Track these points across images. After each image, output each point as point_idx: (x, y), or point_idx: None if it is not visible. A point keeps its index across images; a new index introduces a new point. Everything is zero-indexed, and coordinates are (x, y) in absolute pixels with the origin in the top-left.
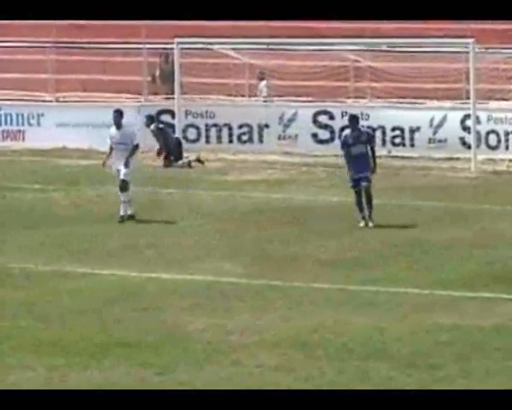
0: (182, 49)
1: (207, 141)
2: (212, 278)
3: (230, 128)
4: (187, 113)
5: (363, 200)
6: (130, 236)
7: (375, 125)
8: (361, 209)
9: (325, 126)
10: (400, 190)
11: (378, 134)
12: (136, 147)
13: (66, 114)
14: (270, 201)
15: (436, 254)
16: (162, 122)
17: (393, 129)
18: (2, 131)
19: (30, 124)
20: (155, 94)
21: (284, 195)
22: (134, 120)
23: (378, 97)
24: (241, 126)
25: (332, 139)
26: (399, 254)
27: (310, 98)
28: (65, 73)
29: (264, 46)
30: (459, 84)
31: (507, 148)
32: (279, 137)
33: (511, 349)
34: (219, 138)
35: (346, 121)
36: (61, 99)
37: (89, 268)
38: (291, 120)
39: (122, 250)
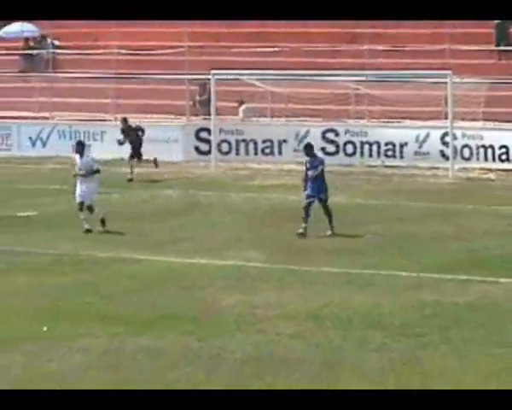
0: (216, 79)
1: (237, 153)
2: (241, 264)
3: (255, 143)
4: (220, 130)
5: (322, 212)
6: (175, 229)
7: (371, 141)
8: (306, 220)
9: (331, 142)
10: (392, 193)
11: (374, 148)
12: (97, 171)
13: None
14: (288, 201)
15: (422, 244)
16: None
17: (386, 144)
18: (74, 145)
19: (95, 139)
20: (196, 115)
21: (299, 197)
22: (179, 136)
23: (374, 118)
24: (264, 141)
25: (337, 152)
26: (393, 245)
27: (319, 119)
28: (123, 98)
29: (283, 77)
30: (439, 107)
31: (478, 159)
32: (295, 150)
33: (482, 321)
34: (247, 151)
35: (348, 137)
36: (119, 120)
37: (142, 255)
38: (304, 136)
39: (169, 241)
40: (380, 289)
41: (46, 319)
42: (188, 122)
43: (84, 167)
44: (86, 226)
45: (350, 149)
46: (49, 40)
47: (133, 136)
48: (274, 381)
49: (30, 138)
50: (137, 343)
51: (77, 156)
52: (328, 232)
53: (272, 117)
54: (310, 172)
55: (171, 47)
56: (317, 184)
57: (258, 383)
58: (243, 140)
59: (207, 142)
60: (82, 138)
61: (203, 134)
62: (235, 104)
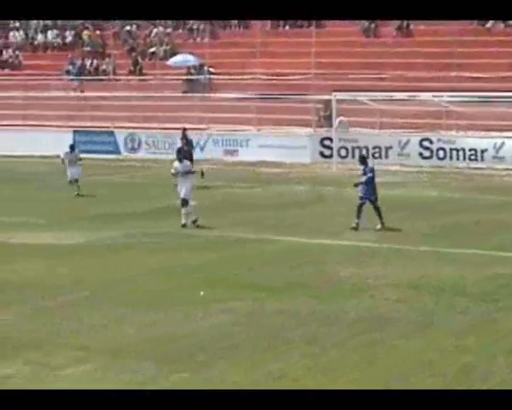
0: (337, 99)
1: (353, 157)
2: (356, 244)
3: (367, 149)
4: (340, 139)
5: (373, 211)
6: (304, 216)
7: (458, 148)
8: (358, 217)
9: (427, 148)
10: (474, 189)
11: (460, 153)
12: (192, 172)
13: (264, 139)
14: (392, 195)
15: (496, 228)
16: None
17: (470, 150)
18: (225, 150)
19: (241, 145)
20: (320, 127)
21: (401, 192)
22: (307, 143)
23: (460, 130)
24: (374, 148)
25: (431, 156)
26: (473, 229)
27: (417, 130)
28: (263, 113)
29: (389, 98)
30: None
31: None
32: (398, 155)
33: None
34: (322, 156)
35: (440, 145)
36: (261, 130)
37: (278, 236)
38: (406, 144)
39: (299, 225)
40: (463, 265)
41: (203, 286)
42: (314, 132)
43: (182, 170)
44: (184, 221)
45: (441, 154)
46: (205, 68)
47: (183, 142)
48: (381, 337)
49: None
50: (274, 305)
51: (176, 162)
52: (378, 226)
53: (380, 129)
54: (363, 178)
55: (302, 74)
56: (368, 188)
57: (367, 337)
58: (358, 147)
59: (329, 148)
60: (231, 146)
61: (326, 142)
62: (353, 118)
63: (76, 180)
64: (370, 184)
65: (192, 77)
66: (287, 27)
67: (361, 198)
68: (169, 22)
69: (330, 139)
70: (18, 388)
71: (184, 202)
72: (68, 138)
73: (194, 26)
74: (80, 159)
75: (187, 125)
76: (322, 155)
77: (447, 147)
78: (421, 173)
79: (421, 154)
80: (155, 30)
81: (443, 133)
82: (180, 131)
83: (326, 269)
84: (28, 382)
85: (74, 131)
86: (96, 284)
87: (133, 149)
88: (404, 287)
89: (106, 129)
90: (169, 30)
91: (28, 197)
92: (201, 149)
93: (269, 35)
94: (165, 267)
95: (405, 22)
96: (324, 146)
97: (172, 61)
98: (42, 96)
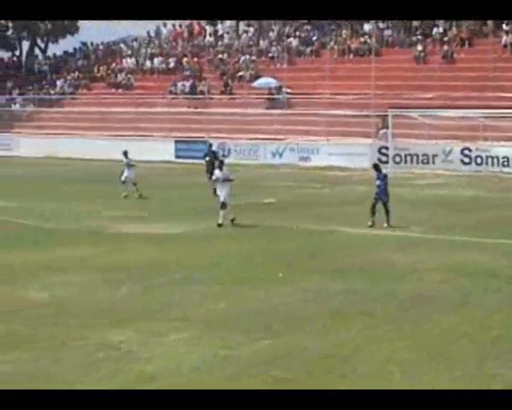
0: (393, 115)
1: (405, 163)
2: (405, 234)
3: (417, 156)
4: (395, 148)
5: (383, 210)
6: (361, 212)
7: (493, 155)
8: (373, 214)
9: (467, 156)
10: (506, 190)
11: (495, 160)
12: (231, 180)
13: (332, 148)
14: (437, 194)
15: None
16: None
17: (503, 157)
18: (299, 157)
19: (313, 153)
20: (378, 138)
21: (445, 192)
22: (367, 151)
23: (494, 140)
24: (423, 155)
25: (470, 162)
26: (505, 223)
27: (459, 141)
28: (330, 126)
29: (436, 113)
30: None
31: None
32: (442, 161)
33: None
34: (411, 162)
35: (478, 153)
36: (329, 141)
37: (341, 228)
38: (449, 152)
39: (359, 219)
40: (496, 252)
41: (280, 269)
42: (373, 142)
43: (222, 177)
44: (221, 221)
45: (479, 160)
46: (284, 89)
47: (211, 156)
48: (426, 312)
49: (271, 152)
50: (337, 285)
51: (218, 170)
52: (385, 225)
53: (428, 139)
54: (377, 182)
55: (363, 94)
56: (382, 190)
57: (415, 312)
58: (409, 154)
59: (386, 155)
60: (305, 153)
61: (383, 150)
62: (405, 131)
63: (134, 183)
64: (382, 188)
65: (272, 96)
66: (351, 56)
67: (375, 198)
68: (253, 50)
69: (386, 148)
70: (130, 350)
71: (223, 205)
72: (171, 147)
73: (275, 54)
74: (133, 164)
75: (268, 136)
76: (380, 160)
77: (483, 155)
78: (462, 177)
79: (462, 160)
80: (243, 57)
81: (480, 143)
82: (261, 141)
83: (381, 255)
84: (138, 346)
85: (176, 141)
86: (193, 266)
87: (224, 156)
88: (446, 271)
89: (201, 139)
90: (254, 57)
91: (130, 195)
92: (280, 155)
93: (336, 62)
94: (249, 254)
95: (450, 51)
96: (382, 153)
97: (256, 83)
98: (149, 111)
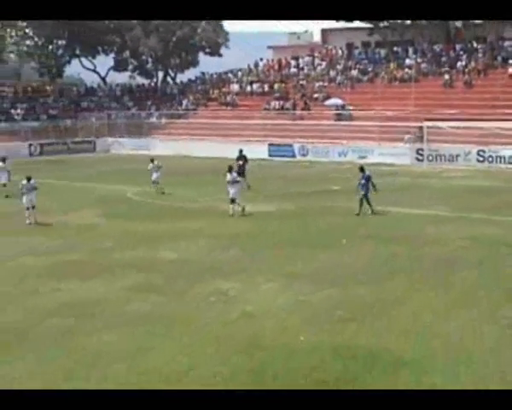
0: (426, 126)
1: (436, 161)
2: (436, 213)
3: (445, 155)
4: (429, 149)
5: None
6: (404, 196)
7: (501, 156)
8: (369, 204)
9: (481, 156)
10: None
11: (503, 160)
12: (238, 182)
13: (382, 149)
14: (460, 184)
15: None
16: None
17: (509, 157)
18: (358, 156)
19: (368, 153)
20: (415, 142)
21: (466, 182)
22: (407, 152)
23: (502, 145)
24: (449, 155)
25: (484, 161)
26: None
27: (475, 145)
28: (382, 134)
29: (458, 125)
30: None
31: None
32: (463, 160)
33: None
34: (440, 160)
35: (490, 153)
36: (380, 144)
37: (389, 208)
38: (468, 153)
39: (401, 201)
40: (508, 227)
41: (344, 237)
42: (412, 145)
43: (231, 179)
44: (231, 212)
45: (490, 159)
46: (347, 106)
47: (242, 159)
48: (452, 269)
49: (338, 153)
50: (386, 250)
51: (228, 174)
52: (357, 212)
53: (452, 144)
54: (362, 181)
55: (405, 110)
56: (366, 188)
57: (443, 269)
58: (439, 154)
59: (422, 155)
60: (362, 153)
61: (420, 151)
62: (435, 137)
63: (158, 183)
64: (365, 186)
65: (339, 112)
66: (396, 82)
67: (363, 195)
68: (325, 78)
69: (422, 149)
70: (234, 295)
71: (232, 201)
72: (265, 148)
73: (341, 81)
74: (160, 166)
75: (336, 141)
76: (417, 159)
77: (494, 155)
78: (478, 171)
79: (477, 159)
80: (317, 83)
81: (491, 147)
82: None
83: (417, 228)
84: (240, 293)
85: (269, 144)
86: (279, 235)
87: (303, 155)
88: (467, 240)
89: (287, 142)
90: (325, 83)
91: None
92: (344, 155)
93: (385, 87)
94: (320, 226)
95: (469, 79)
96: (419, 154)
97: (327, 102)
98: (249, 123)
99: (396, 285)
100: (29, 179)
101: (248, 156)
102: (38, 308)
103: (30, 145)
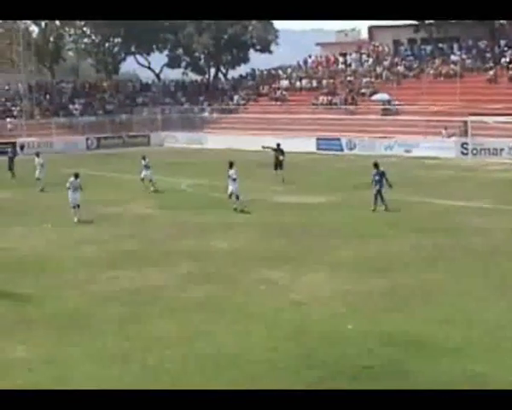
0: (471, 120)
1: (480, 154)
2: (478, 205)
3: (489, 149)
4: (473, 143)
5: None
6: (449, 188)
7: None
8: (375, 203)
9: None
10: None
11: None
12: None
13: (428, 143)
14: (505, 177)
15: None
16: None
17: None
18: (404, 149)
19: (414, 147)
20: (460, 136)
21: (510, 175)
22: (452, 146)
23: None
24: (494, 149)
25: None
26: None
27: None
28: (428, 128)
29: (503, 120)
30: None
31: None
32: (507, 153)
33: None
34: (485, 153)
35: None
36: (426, 137)
37: (434, 200)
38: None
39: (446, 193)
40: None
41: (389, 227)
42: (457, 139)
43: (231, 176)
44: (234, 206)
45: None
46: (393, 102)
47: (278, 152)
48: (496, 258)
49: (384, 146)
50: (428, 240)
51: (230, 170)
52: (372, 207)
53: (497, 138)
54: (376, 177)
55: (450, 105)
56: (380, 184)
57: (487, 258)
58: (483, 148)
59: (466, 149)
60: (408, 147)
61: (465, 145)
62: (480, 131)
63: (150, 180)
64: (380, 182)
65: (385, 107)
66: (442, 78)
67: (377, 190)
68: (372, 74)
69: (467, 143)
70: (284, 284)
71: (230, 196)
72: (313, 142)
73: (388, 77)
74: (149, 166)
75: (382, 135)
76: (462, 153)
77: None
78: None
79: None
80: (364, 79)
81: None
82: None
83: (462, 219)
84: (289, 282)
85: (317, 139)
86: (327, 225)
87: (351, 149)
88: (510, 231)
89: (335, 136)
90: (372, 79)
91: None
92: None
93: (431, 82)
94: (367, 217)
95: None
96: (463, 147)
97: (374, 97)
98: (298, 117)
99: (439, 274)
100: (76, 176)
101: (297, 150)
102: (97, 295)
103: (87, 139)
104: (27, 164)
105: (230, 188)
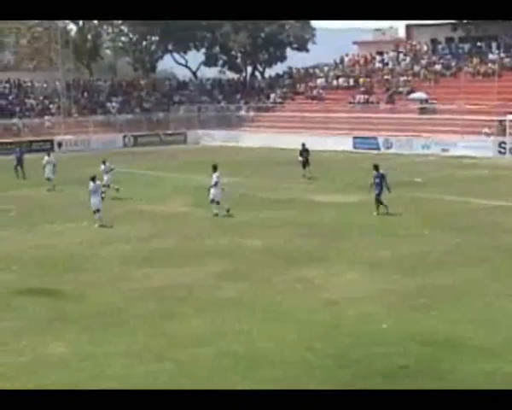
0: (509, 119)
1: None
2: (504, 204)
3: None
4: (511, 142)
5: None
6: (485, 188)
7: None
8: (377, 207)
9: None
10: None
11: None
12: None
13: (465, 142)
14: None
15: None
16: None
17: None
18: (441, 149)
19: (451, 146)
20: (498, 136)
21: None
22: (490, 145)
23: None
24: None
25: None
26: None
27: None
28: (465, 127)
29: None
30: None
31: None
32: None
33: None
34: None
35: None
36: (463, 137)
37: (471, 199)
38: None
39: (482, 193)
40: None
41: (425, 227)
42: (495, 139)
43: (216, 178)
44: (215, 211)
45: None
46: (430, 101)
47: (305, 154)
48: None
49: (421, 145)
50: (465, 238)
51: (214, 174)
52: (375, 213)
53: None
54: (377, 180)
55: (488, 104)
56: (380, 187)
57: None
58: None
59: (504, 148)
60: (445, 146)
61: (502, 144)
62: None
63: (107, 185)
64: (381, 185)
65: (423, 106)
66: (480, 77)
67: (376, 194)
68: (409, 73)
69: (505, 142)
70: (319, 283)
71: (212, 202)
72: (349, 141)
73: (425, 76)
74: (112, 169)
75: (419, 134)
76: (499, 152)
77: None
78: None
79: None
80: (402, 78)
81: None
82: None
83: (490, 218)
84: (323, 280)
85: (353, 137)
86: (361, 224)
87: (387, 148)
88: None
89: (371, 135)
90: (409, 78)
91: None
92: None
93: (469, 81)
94: (401, 215)
95: None
96: (501, 147)
97: (411, 96)
98: (335, 116)
99: (476, 274)
100: (93, 180)
101: (333, 148)
102: (132, 292)
103: (124, 137)
104: (67, 162)
105: (212, 192)
